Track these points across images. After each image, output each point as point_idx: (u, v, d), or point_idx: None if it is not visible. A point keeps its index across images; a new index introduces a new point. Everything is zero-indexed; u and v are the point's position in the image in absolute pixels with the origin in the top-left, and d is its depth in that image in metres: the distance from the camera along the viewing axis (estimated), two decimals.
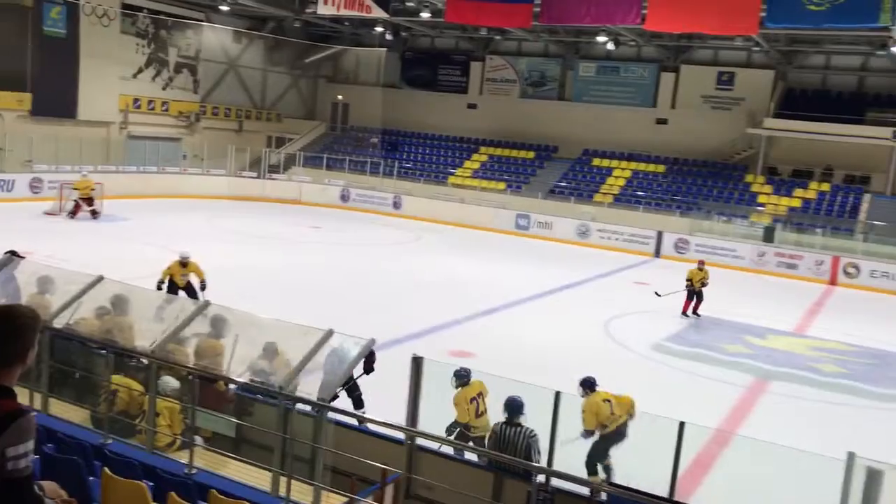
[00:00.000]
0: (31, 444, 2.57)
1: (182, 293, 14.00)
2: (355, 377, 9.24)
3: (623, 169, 35.37)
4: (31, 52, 29.34)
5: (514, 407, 7.17)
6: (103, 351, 7.31)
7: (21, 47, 29.06)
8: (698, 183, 33.68)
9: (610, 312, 18.30)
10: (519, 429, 7.09)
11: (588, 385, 8.55)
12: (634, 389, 12.45)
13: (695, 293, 18.31)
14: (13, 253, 12.91)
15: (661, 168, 34.97)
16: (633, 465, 8.01)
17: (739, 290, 23.52)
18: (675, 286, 18.84)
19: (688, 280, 18.37)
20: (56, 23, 30.11)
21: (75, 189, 24.71)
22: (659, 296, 18.77)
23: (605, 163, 36.00)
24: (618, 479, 7.54)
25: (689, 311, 18.39)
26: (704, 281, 18.22)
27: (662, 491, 6.16)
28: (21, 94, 29.24)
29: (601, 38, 33.39)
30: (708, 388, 13.47)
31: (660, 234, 29.35)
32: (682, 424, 7.17)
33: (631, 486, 5.78)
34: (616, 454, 8.53)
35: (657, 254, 29.06)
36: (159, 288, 13.83)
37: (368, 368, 9.24)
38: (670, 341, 16.19)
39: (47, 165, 28.08)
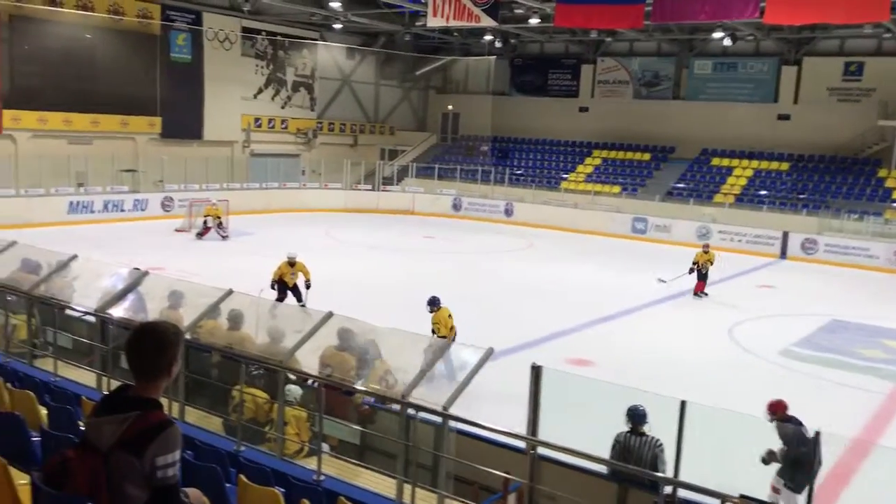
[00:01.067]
0: (178, 454, 2.70)
1: (289, 293, 15.71)
2: None
3: (744, 168, 34.08)
4: (159, 77, 31.12)
5: (637, 416, 7.00)
6: (232, 361, 7.63)
7: (151, 74, 30.87)
8: (826, 180, 32.03)
9: (735, 317, 17.65)
10: (644, 438, 6.91)
11: (434, 303, 11.30)
12: (763, 397, 11.95)
13: (704, 274, 19.59)
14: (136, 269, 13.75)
15: (784, 165, 33.47)
16: (766, 476, 7.68)
17: (874, 291, 22.22)
18: (687, 271, 19.87)
19: (694, 263, 19.77)
20: (182, 49, 31.81)
21: (206, 216, 25.64)
22: (664, 282, 19.88)
23: (725, 162, 34.78)
24: (750, 491, 7.24)
25: (702, 291, 19.69)
26: (711, 261, 19.76)
27: None
28: (152, 117, 31.04)
29: (717, 35, 32.27)
30: (843, 396, 12.76)
31: (785, 235, 28.08)
32: (817, 434, 6.82)
33: (763, 498, 5.54)
34: (746, 465, 8.20)
35: (783, 255, 27.83)
36: (273, 287, 15.20)
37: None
38: (800, 346, 15.45)
39: (177, 185, 29.72)
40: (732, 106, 35.31)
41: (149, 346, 2.72)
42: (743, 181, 33.28)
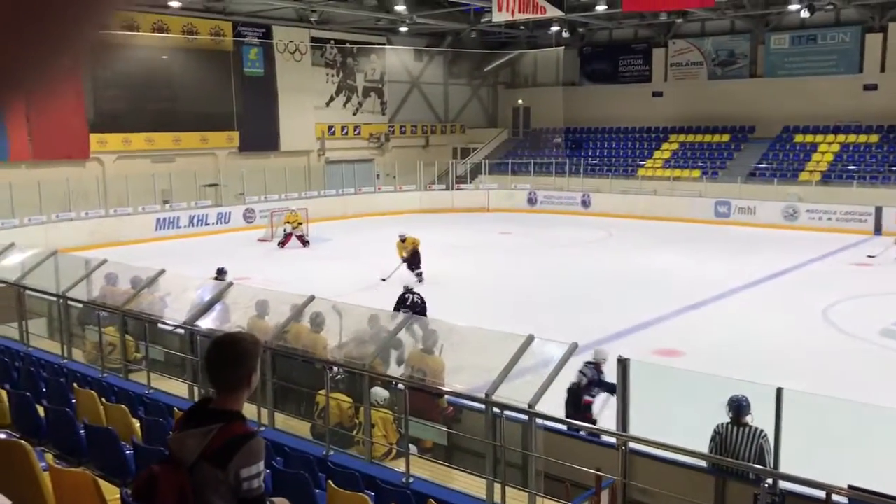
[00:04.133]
0: (261, 465, 2.69)
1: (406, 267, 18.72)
2: None
3: (829, 143, 32.72)
4: (235, 92, 31.91)
5: (740, 407, 6.73)
6: (315, 366, 7.71)
7: (226, 89, 31.68)
8: None
9: (829, 298, 16.92)
10: (747, 429, 6.66)
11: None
12: (866, 381, 11.42)
13: None
14: (221, 270, 14.06)
15: (873, 138, 31.98)
16: (876, 466, 7.30)
17: None
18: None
19: None
20: (254, 63, 32.54)
21: (287, 223, 26.07)
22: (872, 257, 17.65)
23: (809, 138, 33.46)
24: (857, 480, 6.88)
25: None
26: None
27: None
28: (230, 132, 31.85)
29: (794, 7, 31.10)
30: None
31: (879, 210, 26.84)
32: (779, 391, 6.41)
33: (873, 489, 5.24)
34: (851, 453, 7.83)
35: (878, 231, 26.59)
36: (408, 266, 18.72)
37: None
38: None
39: (257, 196, 30.42)
40: (814, 80, 33.93)
41: (227, 358, 2.72)
42: (829, 157, 31.96)
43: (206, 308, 8.74)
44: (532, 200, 34.79)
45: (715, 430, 6.74)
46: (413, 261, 18.86)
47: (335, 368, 7.67)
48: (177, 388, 8.81)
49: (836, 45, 33.87)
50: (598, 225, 29.67)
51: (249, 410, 7.50)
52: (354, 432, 7.40)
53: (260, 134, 32.73)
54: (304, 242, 25.64)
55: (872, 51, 32.95)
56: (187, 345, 8.93)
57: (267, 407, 7.64)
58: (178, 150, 30.27)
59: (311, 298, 8.15)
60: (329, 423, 7.27)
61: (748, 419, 6.69)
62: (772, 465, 6.13)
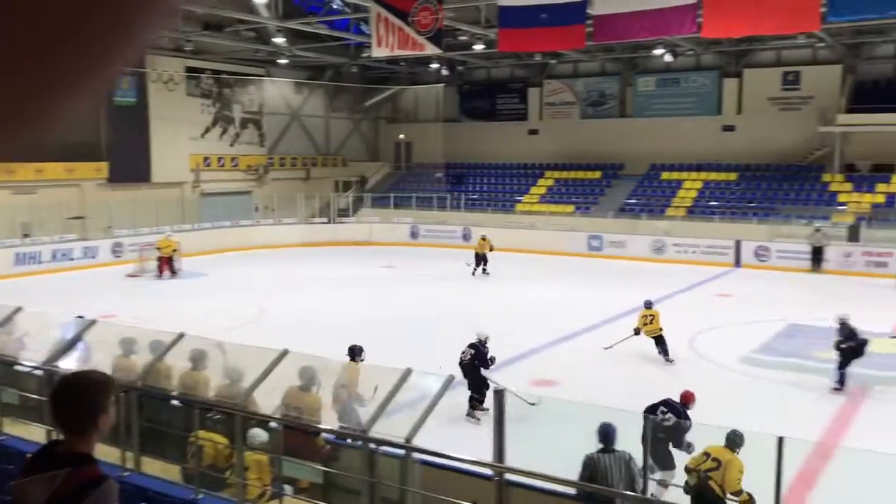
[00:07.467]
0: None
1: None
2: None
3: (693, 180, 34.64)
4: (104, 122, 30.63)
5: (608, 433, 6.97)
6: (188, 406, 7.41)
7: (95, 118, 30.37)
8: (773, 187, 32.70)
9: (694, 327, 17.76)
10: (616, 454, 6.88)
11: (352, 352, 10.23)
12: (727, 404, 12.01)
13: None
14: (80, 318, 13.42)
15: (732, 176, 34.11)
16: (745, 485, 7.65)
17: (827, 293, 22.59)
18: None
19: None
20: (126, 92, 31.40)
21: (158, 248, 25.41)
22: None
23: (675, 175, 35.33)
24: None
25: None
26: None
27: None
28: (98, 163, 30.51)
29: (658, 51, 32.96)
30: (804, 399, 12.89)
31: (738, 244, 28.52)
32: (780, 440, 6.82)
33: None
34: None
35: (737, 263, 28.24)
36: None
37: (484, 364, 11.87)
38: (760, 353, 15.60)
39: (126, 230, 29.16)
40: (678, 120, 35.96)
41: (73, 398, 2.56)
42: (693, 193, 33.81)
43: (67, 347, 8.27)
44: (415, 234, 34.99)
45: (586, 459, 6.91)
46: (479, 260, 25.13)
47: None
48: (34, 434, 8.26)
49: (696, 88, 36.07)
50: None
51: (112, 454, 7.12)
52: (228, 473, 7.14)
53: (130, 165, 31.52)
54: (173, 271, 24.95)
55: (730, 94, 35.30)
56: (46, 387, 8.40)
57: (132, 450, 7.27)
58: (41, 180, 28.70)
59: (181, 336, 7.86)
60: (202, 464, 6.99)
61: (615, 445, 6.92)
62: (641, 487, 6.34)
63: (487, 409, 10.71)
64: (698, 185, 34.26)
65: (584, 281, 24.89)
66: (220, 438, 7.31)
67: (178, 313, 18.08)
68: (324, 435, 7.45)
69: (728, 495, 7.00)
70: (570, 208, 34.96)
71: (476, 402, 11.59)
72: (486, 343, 12.11)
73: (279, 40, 31.59)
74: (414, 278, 25.81)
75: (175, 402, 7.94)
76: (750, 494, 7.06)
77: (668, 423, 8.47)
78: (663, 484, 8.03)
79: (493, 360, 12.07)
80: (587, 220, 33.07)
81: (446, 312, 19.91)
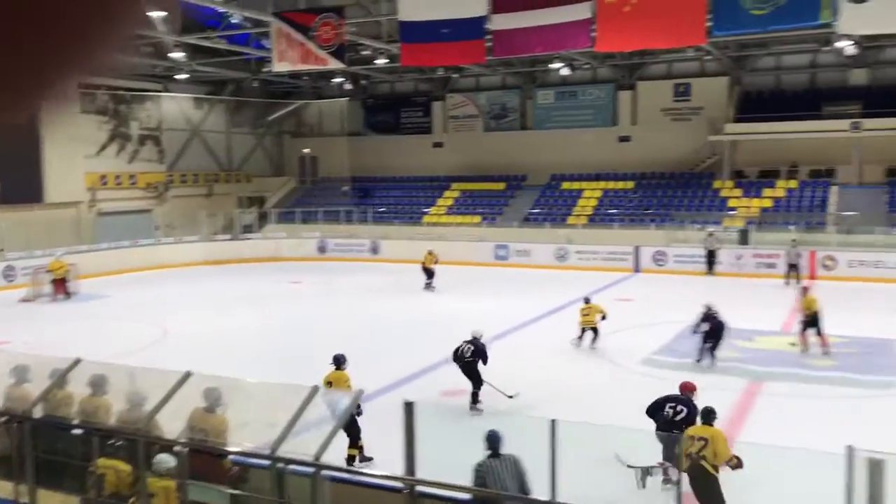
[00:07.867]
0: None
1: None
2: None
3: (593, 189, 35.67)
4: None
5: (496, 439, 7.15)
6: (88, 434, 7.19)
7: None
8: (668, 194, 34.01)
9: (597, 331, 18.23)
10: (504, 458, 7.07)
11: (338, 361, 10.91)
12: (629, 406, 12.42)
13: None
14: None
15: (629, 184, 35.30)
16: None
17: (721, 295, 23.57)
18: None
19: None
20: None
21: (49, 271, 24.52)
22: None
23: (575, 185, 36.29)
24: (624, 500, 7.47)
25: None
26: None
27: None
28: None
29: (556, 65, 33.89)
30: (703, 397, 13.41)
31: (637, 249, 29.51)
32: (678, 437, 7.16)
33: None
34: (625, 473, 8.55)
35: (637, 269, 29.20)
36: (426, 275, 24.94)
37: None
38: (660, 354, 16.19)
39: (19, 252, 27.83)
40: (576, 132, 37.02)
41: None
42: (593, 202, 34.82)
43: None
44: (322, 248, 34.72)
45: (477, 467, 7.01)
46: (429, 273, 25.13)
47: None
48: None
49: (593, 100, 37.24)
50: (387, 271, 30.12)
51: (5, 488, 6.84)
52: (131, 501, 6.96)
53: (21, 185, 30.17)
54: (68, 294, 24.13)
55: (625, 106, 36.59)
56: None
57: (26, 483, 7.00)
58: None
59: (77, 361, 7.62)
60: (104, 493, 6.79)
61: (503, 449, 7.11)
62: (529, 487, 6.60)
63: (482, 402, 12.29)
64: (598, 193, 35.29)
65: (491, 290, 25.24)
66: (123, 465, 7.11)
67: (75, 337, 17.43)
68: (230, 457, 7.34)
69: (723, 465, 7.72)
70: (477, 219, 35.44)
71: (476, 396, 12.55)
72: (481, 339, 13.01)
73: (177, 55, 30.90)
74: (322, 293, 25.62)
75: (75, 430, 7.68)
76: (738, 457, 7.80)
77: (680, 415, 9.14)
78: (663, 466, 8.73)
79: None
80: (493, 231, 33.59)
81: (356, 326, 19.85)
